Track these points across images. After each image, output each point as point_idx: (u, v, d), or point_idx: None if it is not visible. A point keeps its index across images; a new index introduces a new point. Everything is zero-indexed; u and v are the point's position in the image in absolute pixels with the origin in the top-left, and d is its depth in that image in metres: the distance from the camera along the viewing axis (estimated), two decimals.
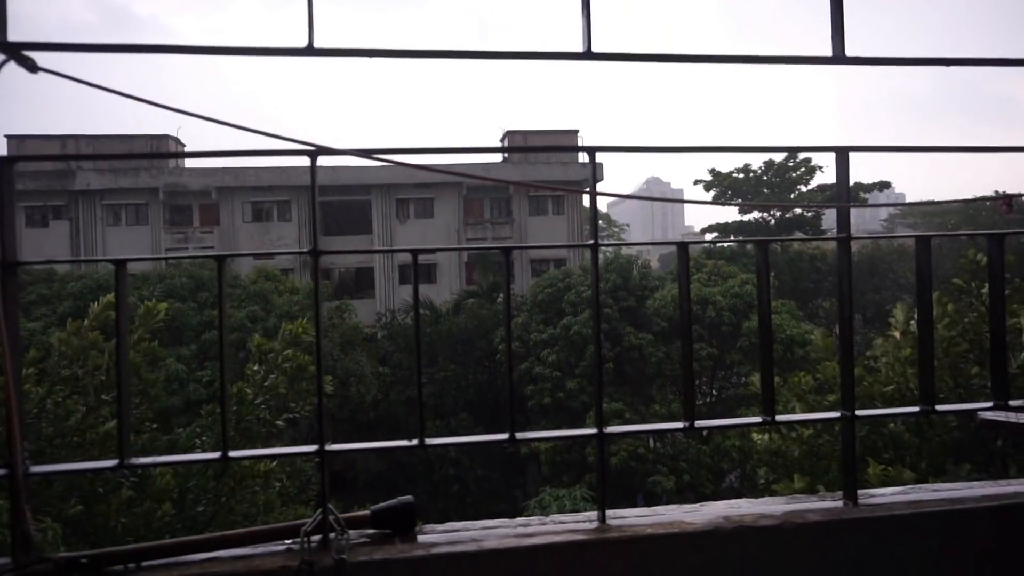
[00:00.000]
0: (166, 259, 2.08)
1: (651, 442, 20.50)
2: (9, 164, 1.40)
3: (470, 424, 20.79)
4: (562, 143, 32.42)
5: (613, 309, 20.83)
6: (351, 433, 20.59)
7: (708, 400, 22.41)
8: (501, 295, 25.26)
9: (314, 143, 1.47)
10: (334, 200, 32.36)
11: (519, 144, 32.35)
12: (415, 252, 1.57)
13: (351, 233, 32.72)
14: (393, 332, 24.09)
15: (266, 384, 6.10)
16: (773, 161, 33.57)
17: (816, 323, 27.68)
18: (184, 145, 33.35)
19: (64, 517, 4.16)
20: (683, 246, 1.62)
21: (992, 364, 1.69)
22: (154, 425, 5.65)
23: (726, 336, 21.58)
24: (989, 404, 1.73)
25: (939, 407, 1.72)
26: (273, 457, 5.04)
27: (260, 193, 32.18)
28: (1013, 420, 2.01)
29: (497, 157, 33.38)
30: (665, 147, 1.70)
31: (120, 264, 1.44)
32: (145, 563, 1.45)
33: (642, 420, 19.08)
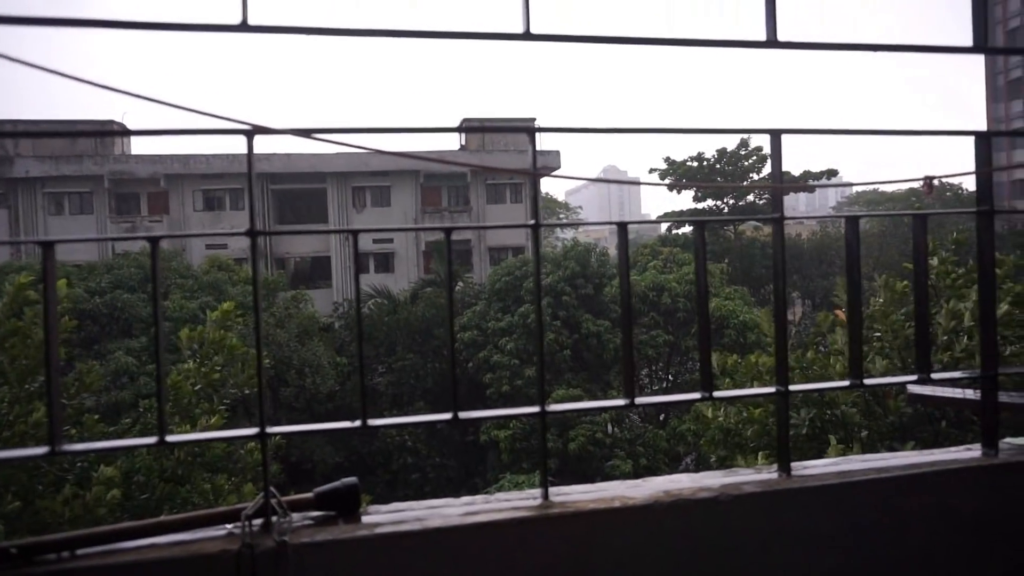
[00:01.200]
0: (96, 240, 2.03)
1: (609, 427, 20.77)
2: None
3: (428, 413, 20.77)
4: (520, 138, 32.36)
5: (571, 296, 20.99)
6: (308, 424, 20.36)
7: (664, 385, 22.81)
8: (459, 284, 25.22)
9: (251, 122, 1.45)
10: (289, 188, 31.83)
11: (477, 134, 32.24)
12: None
13: (307, 222, 32.23)
14: (350, 321, 23.88)
15: (202, 370, 5.98)
16: (726, 149, 34.18)
17: (768, 307, 28.32)
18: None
19: (1, 513, 4.03)
20: (622, 226, 1.65)
21: (916, 339, 1.76)
22: (96, 417, 5.51)
23: (681, 323, 21.96)
24: (914, 378, 1.80)
25: (867, 380, 1.79)
26: (212, 440, 4.97)
27: (211, 181, 31.43)
28: (939, 394, 2.10)
29: (454, 145, 33.23)
30: (609, 128, 1.72)
31: (47, 246, 1.40)
32: (80, 551, 1.42)
33: None
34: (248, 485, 6.50)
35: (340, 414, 21.19)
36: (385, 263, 32.38)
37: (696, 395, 1.70)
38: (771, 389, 1.71)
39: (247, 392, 6.55)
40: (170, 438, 1.47)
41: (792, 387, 1.70)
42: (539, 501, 1.59)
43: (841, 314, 6.16)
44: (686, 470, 19.94)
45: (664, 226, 37.13)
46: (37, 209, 30.14)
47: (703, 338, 1.69)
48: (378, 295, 24.30)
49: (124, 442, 1.57)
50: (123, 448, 4.43)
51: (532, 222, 1.57)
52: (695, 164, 34.13)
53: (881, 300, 5.95)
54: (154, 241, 1.44)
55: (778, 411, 1.71)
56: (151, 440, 1.45)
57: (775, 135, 1.72)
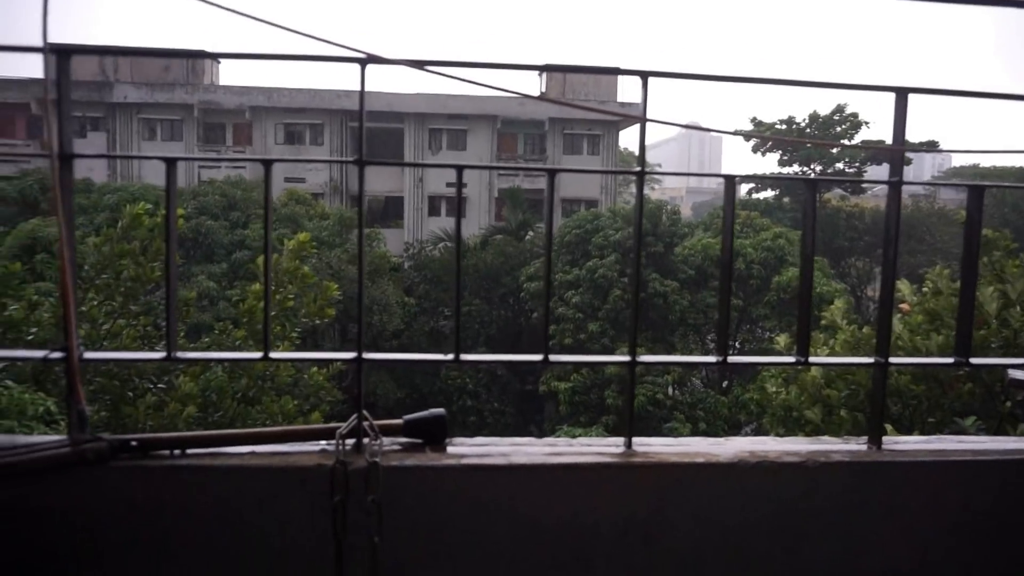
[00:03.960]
0: (214, 160, 2.10)
1: (670, 389, 20.68)
2: (66, 56, 1.42)
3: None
4: (603, 81, 31.68)
5: (641, 254, 20.74)
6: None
7: (731, 353, 22.43)
8: (529, 233, 25.21)
9: (365, 51, 1.46)
10: (367, 127, 32.17)
11: (558, 80, 31.68)
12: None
13: (356, 164, 32.61)
14: (420, 263, 24.26)
15: (276, 297, 6.20)
16: (818, 114, 32.56)
17: (847, 283, 27.34)
18: (219, 62, 33.20)
19: (91, 421, 4.36)
20: (730, 179, 1.61)
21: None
22: (182, 335, 5.82)
23: (754, 290, 21.42)
24: (1021, 361, 1.72)
25: (973, 360, 1.71)
26: (313, 361, 5.21)
27: (293, 115, 32.08)
28: None
29: (533, 93, 32.75)
30: (720, 76, 1.66)
31: (170, 163, 1.47)
32: (189, 450, 1.53)
33: (664, 368, 19.21)
34: (315, 413, 6.80)
35: (404, 352, 21.77)
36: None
37: (790, 358, 1.67)
38: (869, 359, 1.66)
39: (317, 322, 6.76)
40: (273, 354, 1.55)
41: (892, 360, 1.64)
42: (622, 449, 1.61)
43: (907, 307, 5.91)
44: None
45: (744, 189, 35.94)
46: (132, 134, 31.51)
47: (803, 302, 1.65)
48: (448, 239, 24.56)
49: (230, 354, 1.66)
50: (229, 359, 4.69)
51: (638, 169, 1.55)
52: (783, 127, 32.69)
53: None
54: (268, 163, 1.49)
55: (874, 382, 1.67)
56: (256, 355, 1.53)
57: (901, 93, 1.63)
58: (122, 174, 30.55)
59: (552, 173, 1.56)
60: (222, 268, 20.33)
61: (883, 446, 1.65)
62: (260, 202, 22.66)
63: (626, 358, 1.61)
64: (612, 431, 17.89)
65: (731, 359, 1.64)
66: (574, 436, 16.97)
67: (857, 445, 1.66)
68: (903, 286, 5.91)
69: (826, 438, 1.72)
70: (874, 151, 28.50)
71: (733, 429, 19.82)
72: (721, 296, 1.62)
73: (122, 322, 4.83)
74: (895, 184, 1.63)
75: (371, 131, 32.53)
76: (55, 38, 1.38)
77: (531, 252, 23.12)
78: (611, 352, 18.90)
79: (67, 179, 1.42)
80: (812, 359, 1.64)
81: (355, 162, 1.48)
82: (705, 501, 1.55)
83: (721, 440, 1.71)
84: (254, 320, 6.21)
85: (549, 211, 1.57)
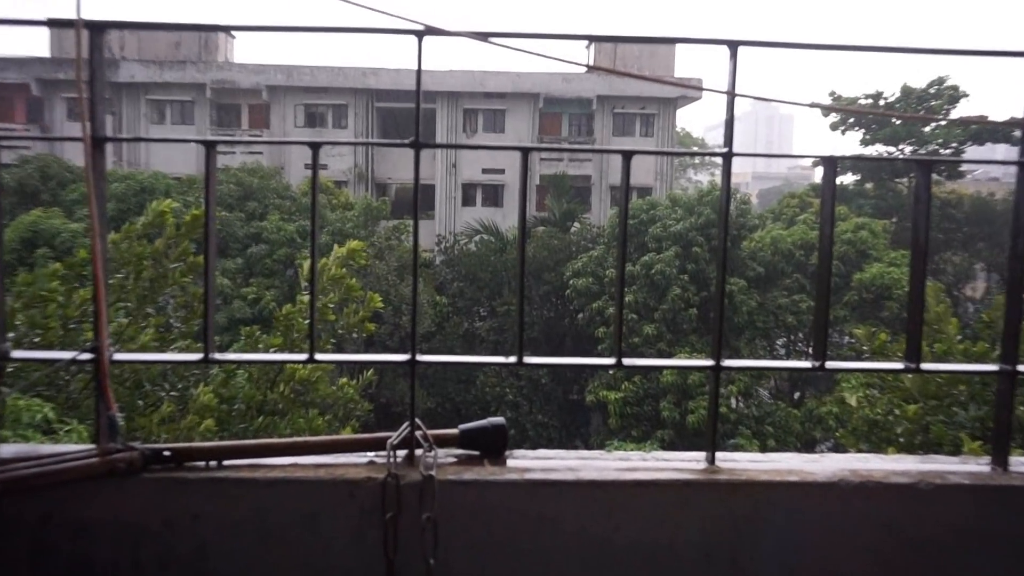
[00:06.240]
0: (254, 142, 2.15)
1: (734, 401, 20.43)
2: (100, 30, 1.46)
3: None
4: (659, 53, 31.41)
5: (703, 248, 20.50)
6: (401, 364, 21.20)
7: (805, 357, 22.07)
8: (575, 224, 25.14)
9: (422, 22, 1.47)
10: (396, 107, 32.45)
11: (607, 54, 31.53)
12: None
13: (411, 146, 32.84)
14: (453, 258, 24.38)
15: (317, 305, 6.29)
16: (911, 88, 31.74)
17: (942, 280, 26.62)
18: (234, 37, 33.82)
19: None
20: (830, 161, 1.58)
21: None
22: (198, 344, 5.95)
23: (832, 289, 21.03)
24: None
25: None
26: (363, 364, 5.31)
27: (314, 95, 32.53)
28: None
29: (579, 68, 32.64)
30: (816, 44, 1.64)
31: (210, 146, 1.51)
32: (227, 462, 1.56)
33: (726, 376, 19.00)
34: (347, 428, 6.89)
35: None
36: (494, 196, 32.65)
37: (898, 364, 1.64)
38: (993, 367, 1.62)
39: (354, 335, 6.84)
40: (319, 356, 1.58)
41: (1022, 367, 1.60)
42: (704, 465, 1.60)
43: None
44: None
45: (820, 173, 35.24)
46: (140, 116, 32.32)
47: (914, 299, 1.61)
48: (485, 231, 24.62)
49: (274, 356, 1.69)
50: (270, 361, 4.79)
51: (725, 149, 1.53)
52: (868, 102, 31.96)
53: None
54: (315, 147, 1.52)
55: (999, 393, 1.62)
56: (302, 356, 1.56)
57: None
58: (129, 160, 31.39)
59: (627, 155, 1.55)
60: (237, 264, 20.70)
61: (1009, 467, 1.60)
62: (279, 191, 23.03)
63: (709, 362, 1.60)
64: (668, 448, 17.75)
65: (830, 364, 1.62)
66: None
67: (978, 466, 1.62)
68: None
69: (940, 457, 1.69)
70: (996, 127, 27.65)
71: (806, 447, 19.50)
72: (819, 291, 1.60)
73: (146, 324, 4.96)
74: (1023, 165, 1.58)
75: (399, 112, 32.84)
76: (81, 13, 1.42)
77: (578, 245, 23.05)
78: (668, 358, 18.74)
79: (100, 164, 1.46)
80: (926, 365, 1.61)
81: (411, 144, 1.49)
82: (800, 525, 1.53)
83: (816, 457, 1.68)
84: (291, 328, 6.28)
85: (625, 200, 1.56)
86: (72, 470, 1.48)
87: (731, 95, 1.51)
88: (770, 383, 22.00)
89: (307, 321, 6.15)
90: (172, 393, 5.71)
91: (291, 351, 4.83)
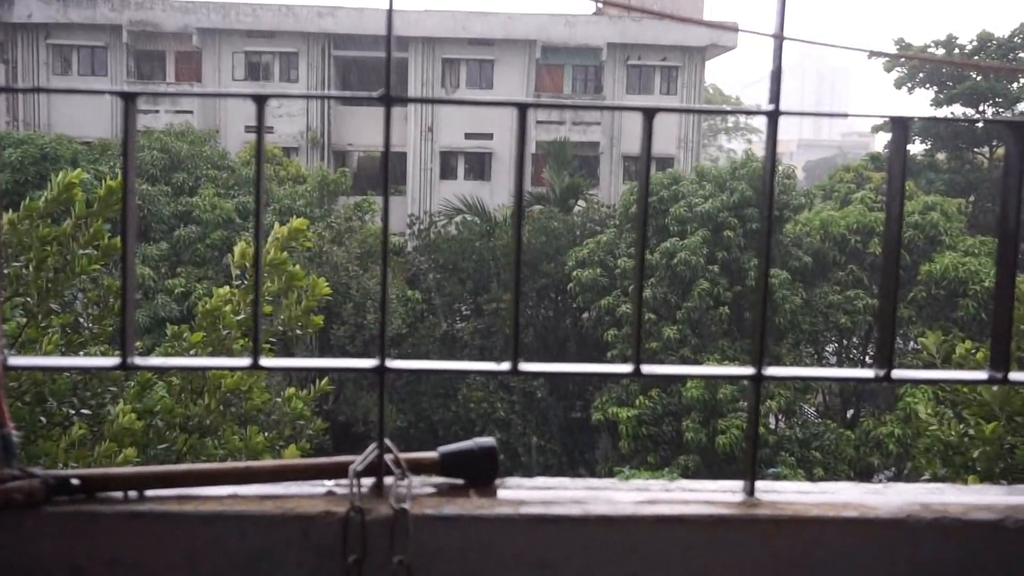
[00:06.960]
0: (183, 96, 2.13)
1: (773, 421, 20.52)
2: None
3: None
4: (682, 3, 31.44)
5: (736, 232, 20.56)
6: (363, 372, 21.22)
7: (861, 366, 22.17)
8: (579, 202, 25.18)
9: None
10: (360, 56, 32.37)
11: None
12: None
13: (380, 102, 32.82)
14: (429, 244, 24.32)
15: (249, 299, 6.28)
16: (990, 35, 31.88)
17: None
18: None
19: None
20: (900, 122, 1.57)
21: None
22: (114, 350, 5.94)
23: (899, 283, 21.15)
24: None
25: None
26: (319, 371, 5.32)
27: (257, 40, 32.43)
28: None
29: (587, 9, 32.69)
30: None
31: (129, 99, 1.49)
32: (149, 492, 1.55)
33: (766, 389, 19.08)
34: (291, 447, 6.90)
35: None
36: (480, 167, 32.66)
37: (981, 374, 1.64)
38: None
39: (299, 332, 6.85)
40: (264, 361, 1.57)
41: None
42: (741, 497, 1.60)
43: None
44: None
45: (880, 142, 35.42)
46: (39, 65, 32.15)
47: (1002, 296, 1.61)
48: (468, 210, 24.62)
49: (214, 361, 1.68)
50: (213, 368, 4.76)
51: (771, 107, 1.53)
52: (940, 51, 32.12)
53: None
54: (259, 101, 1.50)
55: None
56: (244, 362, 1.55)
57: None
58: (26, 120, 31.24)
59: (650, 114, 1.55)
60: (161, 249, 20.63)
61: None
62: (213, 160, 22.94)
63: (749, 370, 1.59)
64: (693, 477, 17.82)
65: (897, 373, 1.62)
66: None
67: None
68: None
69: None
70: None
71: (862, 476, 19.62)
72: (885, 284, 1.60)
73: (48, 324, 4.94)
74: None
75: (364, 61, 32.77)
76: None
77: (583, 228, 23.07)
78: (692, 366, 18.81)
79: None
80: (1015, 375, 1.61)
81: (379, 99, 1.48)
82: (859, 570, 1.53)
83: (878, 487, 1.69)
84: (219, 323, 6.27)
85: (647, 171, 1.55)
86: None
87: (779, 38, 1.50)
88: (817, 398, 22.11)
89: (238, 317, 6.14)
90: (83, 411, 5.70)
91: (218, 353, 4.81)
